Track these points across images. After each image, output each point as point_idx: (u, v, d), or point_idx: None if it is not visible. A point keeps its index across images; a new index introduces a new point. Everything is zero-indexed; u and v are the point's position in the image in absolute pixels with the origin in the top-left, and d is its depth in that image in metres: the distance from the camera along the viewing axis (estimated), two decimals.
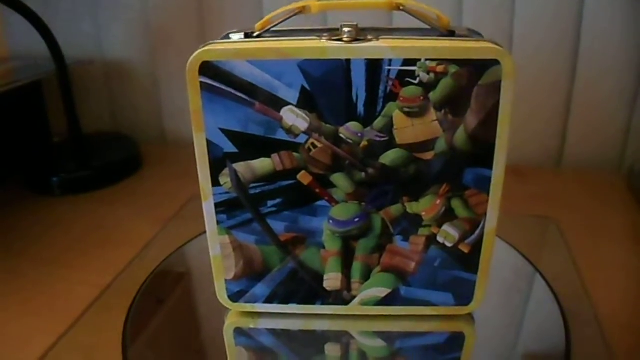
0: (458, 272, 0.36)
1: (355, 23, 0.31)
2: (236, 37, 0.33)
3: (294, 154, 0.33)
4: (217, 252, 0.35)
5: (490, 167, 0.33)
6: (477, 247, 0.35)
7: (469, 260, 0.35)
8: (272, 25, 0.33)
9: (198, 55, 0.31)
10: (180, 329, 0.38)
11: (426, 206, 0.34)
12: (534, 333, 0.38)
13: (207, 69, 0.31)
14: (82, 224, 0.54)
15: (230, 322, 0.38)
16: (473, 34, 0.33)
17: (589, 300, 0.40)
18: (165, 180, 0.64)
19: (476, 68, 0.31)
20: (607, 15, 0.59)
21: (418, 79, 0.31)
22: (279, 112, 0.32)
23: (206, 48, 0.31)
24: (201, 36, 0.71)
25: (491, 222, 0.34)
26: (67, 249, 0.50)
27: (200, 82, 0.32)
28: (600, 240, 0.49)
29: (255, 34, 0.33)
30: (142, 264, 0.46)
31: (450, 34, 0.32)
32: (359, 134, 0.32)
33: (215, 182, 0.34)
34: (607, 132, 0.64)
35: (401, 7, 0.32)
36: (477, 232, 0.34)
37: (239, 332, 0.37)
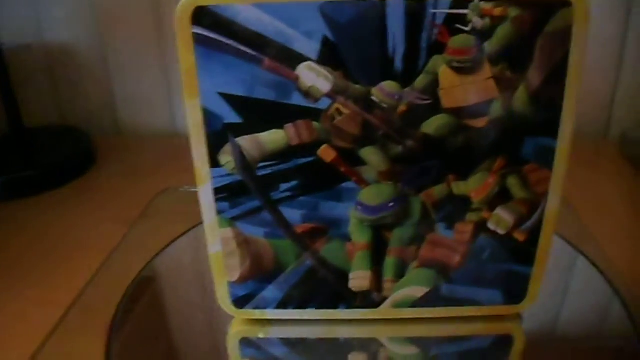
0: (510, 264, 0.29)
1: None
2: None
3: (314, 123, 0.26)
4: (218, 249, 0.29)
5: (555, 136, 0.27)
6: (534, 234, 0.29)
7: (524, 251, 0.29)
8: None
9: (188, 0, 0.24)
10: (175, 345, 0.32)
11: (476, 185, 0.28)
12: (594, 329, 0.33)
13: (202, 16, 0.24)
14: (32, 232, 0.46)
15: (235, 332, 0.31)
16: None
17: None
18: (125, 176, 0.57)
19: (542, 10, 0.24)
20: None
21: (470, 25, 0.25)
22: (295, 70, 0.25)
23: None
24: (156, 12, 0.63)
25: (553, 203, 0.28)
26: (17, 261, 0.42)
27: (194, 34, 0.25)
28: (609, 210, 0.47)
29: None
30: (112, 273, 0.38)
31: None
32: (396, 96, 0.26)
33: (214, 162, 0.27)
34: (592, 99, 0.63)
35: None
36: (536, 216, 0.28)
37: (246, 343, 0.31)
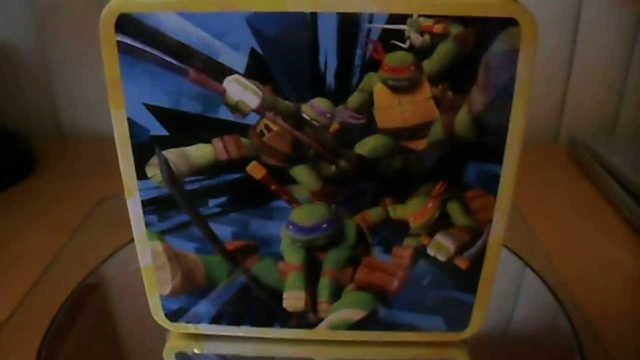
0: (452, 291, 0.28)
1: None
2: None
3: (242, 139, 0.25)
4: (149, 262, 0.28)
5: (500, 162, 0.25)
6: (477, 261, 0.27)
7: (467, 278, 0.28)
8: None
9: (113, 5, 0.23)
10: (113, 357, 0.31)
11: (415, 210, 0.26)
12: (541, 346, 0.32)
13: (126, 23, 0.23)
14: None
15: (171, 346, 0.30)
16: None
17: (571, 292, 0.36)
18: (65, 181, 0.54)
19: (487, 29, 0.23)
20: None
21: (408, 41, 0.23)
22: (222, 83, 0.24)
23: None
24: (99, 9, 0.60)
25: (497, 231, 0.27)
26: None
27: (118, 42, 0.23)
28: (557, 214, 0.48)
29: None
30: (50, 287, 0.37)
31: None
32: (328, 114, 0.24)
33: (142, 174, 0.26)
34: (542, 105, 0.64)
35: None
36: (479, 243, 0.27)
37: (181, 357, 0.30)
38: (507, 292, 0.36)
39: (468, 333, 0.29)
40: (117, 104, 0.25)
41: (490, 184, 0.26)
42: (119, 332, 0.34)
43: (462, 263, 0.27)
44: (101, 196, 0.47)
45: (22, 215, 0.48)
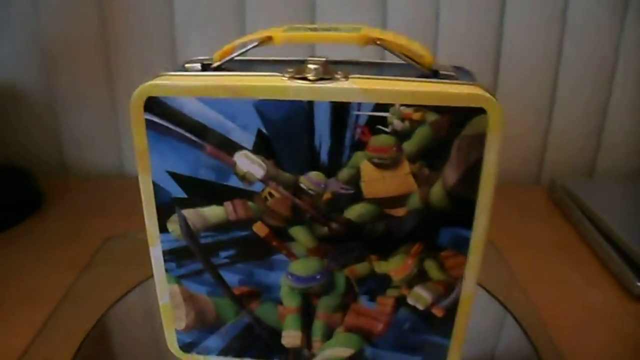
0: (430, 335, 0.32)
1: (323, 58, 0.28)
2: (192, 67, 0.29)
3: (249, 203, 0.29)
4: (167, 301, 0.32)
5: (470, 228, 0.29)
6: (451, 310, 0.31)
7: (442, 325, 0.32)
8: (233, 55, 0.29)
9: (143, 89, 0.28)
10: None
11: (396, 266, 0.30)
12: None
13: (153, 105, 0.28)
14: None
15: None
16: (460, 73, 0.29)
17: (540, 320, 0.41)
18: (73, 218, 0.55)
19: (458, 117, 0.27)
20: (524, 38, 0.63)
21: (391, 126, 0.27)
22: (232, 156, 0.28)
23: (153, 82, 0.27)
24: (103, 55, 0.64)
25: (469, 287, 0.30)
26: None
27: (146, 120, 0.28)
28: (535, 253, 0.51)
29: (213, 65, 0.29)
30: (63, 323, 0.39)
31: (433, 73, 0.28)
32: (322, 185, 0.29)
33: (163, 228, 0.30)
34: (524, 149, 0.68)
35: (378, 42, 0.28)
36: (452, 295, 0.31)
37: None
38: (484, 330, 0.40)
39: None
40: (144, 169, 0.29)
41: (462, 246, 0.29)
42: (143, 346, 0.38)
43: (438, 312, 0.31)
44: (107, 234, 0.50)
45: (32, 252, 0.49)
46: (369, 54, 0.30)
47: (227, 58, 0.29)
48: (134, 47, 0.64)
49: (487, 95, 0.27)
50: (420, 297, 0.31)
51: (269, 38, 0.29)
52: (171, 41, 0.63)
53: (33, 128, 0.68)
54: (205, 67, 0.29)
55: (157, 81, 0.28)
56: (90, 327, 0.38)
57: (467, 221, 0.29)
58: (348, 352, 0.33)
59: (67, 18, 0.63)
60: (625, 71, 0.64)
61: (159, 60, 0.64)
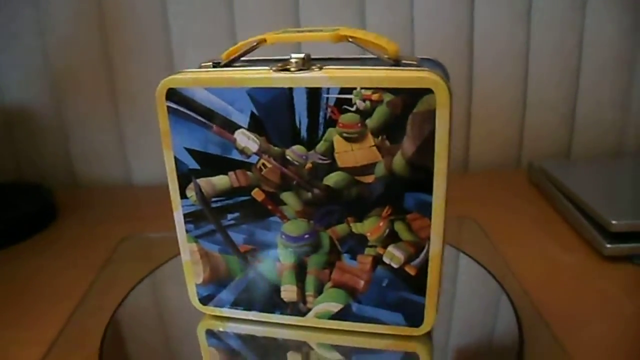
0: (406, 293, 0.36)
1: (302, 55, 0.34)
2: (206, 65, 0.37)
3: (248, 172, 0.36)
4: (188, 258, 0.39)
5: (430, 193, 0.34)
6: (423, 269, 0.36)
7: (416, 283, 0.36)
8: (238, 55, 0.37)
9: (164, 82, 0.35)
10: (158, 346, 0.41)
11: (370, 227, 0.35)
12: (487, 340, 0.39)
13: (173, 94, 0.35)
14: (2, 283, 0.50)
15: (203, 325, 0.41)
16: (426, 63, 0.35)
17: (519, 280, 0.47)
18: (88, 226, 0.61)
19: (409, 96, 0.32)
20: (497, 35, 0.72)
21: (355, 106, 0.33)
22: (233, 134, 0.35)
23: (171, 76, 0.35)
24: (108, 74, 0.70)
25: (435, 246, 0.35)
26: None
27: (167, 107, 0.36)
28: (514, 227, 0.58)
29: (222, 64, 0.37)
30: (89, 311, 0.44)
31: (396, 63, 0.34)
32: (303, 157, 0.35)
33: (183, 195, 0.38)
34: (504, 136, 0.77)
35: (350, 39, 0.35)
36: (422, 255, 0.35)
37: (210, 334, 0.41)
38: (464, 293, 0.45)
39: (424, 329, 0.37)
40: (167, 146, 0.37)
41: (425, 209, 0.34)
42: (164, 320, 0.45)
43: (411, 270, 0.36)
44: (121, 236, 0.55)
45: (52, 256, 0.54)
46: (351, 52, 0.36)
47: (232, 57, 0.36)
48: (134, 67, 0.71)
49: (434, 77, 0.32)
50: (394, 256, 0.36)
51: (264, 40, 0.36)
52: (169, 58, 0.71)
53: (44, 146, 0.74)
54: (215, 65, 0.37)
55: (175, 76, 0.35)
56: (112, 313, 0.42)
57: (427, 187, 0.34)
58: (337, 307, 0.38)
59: (71, 43, 0.69)
60: (590, 58, 0.73)
61: (158, 78, 0.71)
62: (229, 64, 0.37)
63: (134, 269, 0.48)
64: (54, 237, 0.59)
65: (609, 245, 0.50)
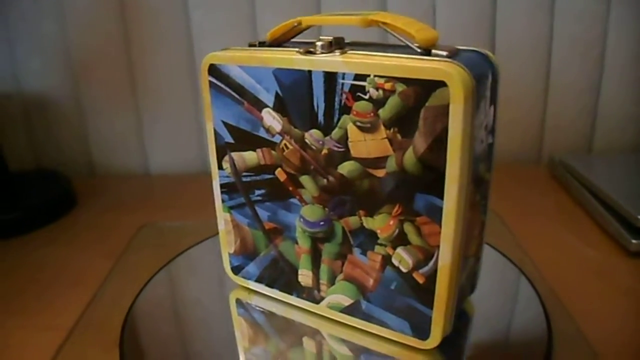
0: (413, 301, 0.34)
1: (330, 38, 0.33)
2: (253, 44, 0.38)
3: (272, 151, 0.36)
4: (223, 227, 0.41)
5: (441, 197, 0.31)
6: (431, 279, 0.33)
7: (424, 292, 0.33)
8: (280, 35, 0.37)
9: (207, 58, 0.37)
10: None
11: (381, 224, 0.33)
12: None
13: (213, 70, 0.37)
14: (23, 269, 0.50)
15: (234, 293, 0.43)
16: (464, 54, 0.31)
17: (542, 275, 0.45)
18: (106, 214, 0.61)
19: (422, 88, 0.29)
20: (516, 25, 0.69)
21: (368, 94, 0.31)
22: (261, 112, 0.36)
23: (213, 53, 0.37)
24: (127, 63, 0.69)
25: (445, 257, 0.32)
26: (14, 295, 0.46)
27: (209, 81, 0.37)
28: (536, 221, 0.57)
29: (266, 44, 0.37)
30: (108, 298, 0.44)
31: (425, 52, 0.31)
32: (320, 142, 0.34)
33: (220, 166, 0.39)
34: (524, 129, 0.75)
35: (381, 25, 0.32)
36: (431, 264, 0.32)
37: (239, 302, 0.42)
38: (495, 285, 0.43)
39: (431, 344, 0.34)
40: (209, 118, 0.39)
41: (435, 214, 0.31)
42: (185, 308, 0.44)
43: (419, 277, 0.33)
44: (139, 224, 0.55)
45: (73, 242, 0.54)
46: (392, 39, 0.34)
47: (274, 38, 0.37)
48: (153, 56, 0.70)
49: (450, 69, 0.28)
50: (402, 258, 0.33)
51: (300, 22, 0.35)
52: (189, 47, 0.70)
53: (63, 134, 0.74)
54: (261, 45, 0.37)
55: (217, 52, 0.37)
56: (134, 296, 0.42)
57: (438, 190, 0.31)
58: (348, 301, 0.37)
59: (91, 30, 0.69)
60: (614, 51, 0.70)
61: (177, 66, 0.70)
62: (272, 45, 0.37)
63: (152, 257, 0.48)
64: (73, 224, 0.59)
65: (634, 241, 0.49)
